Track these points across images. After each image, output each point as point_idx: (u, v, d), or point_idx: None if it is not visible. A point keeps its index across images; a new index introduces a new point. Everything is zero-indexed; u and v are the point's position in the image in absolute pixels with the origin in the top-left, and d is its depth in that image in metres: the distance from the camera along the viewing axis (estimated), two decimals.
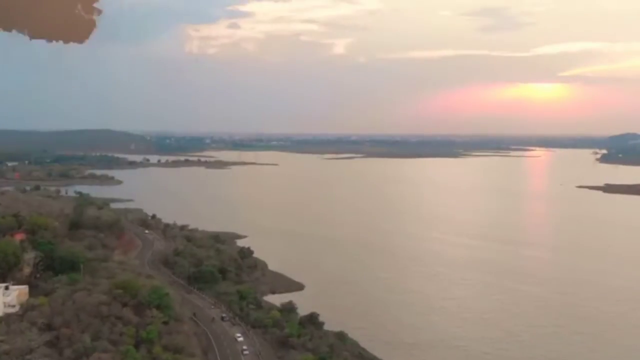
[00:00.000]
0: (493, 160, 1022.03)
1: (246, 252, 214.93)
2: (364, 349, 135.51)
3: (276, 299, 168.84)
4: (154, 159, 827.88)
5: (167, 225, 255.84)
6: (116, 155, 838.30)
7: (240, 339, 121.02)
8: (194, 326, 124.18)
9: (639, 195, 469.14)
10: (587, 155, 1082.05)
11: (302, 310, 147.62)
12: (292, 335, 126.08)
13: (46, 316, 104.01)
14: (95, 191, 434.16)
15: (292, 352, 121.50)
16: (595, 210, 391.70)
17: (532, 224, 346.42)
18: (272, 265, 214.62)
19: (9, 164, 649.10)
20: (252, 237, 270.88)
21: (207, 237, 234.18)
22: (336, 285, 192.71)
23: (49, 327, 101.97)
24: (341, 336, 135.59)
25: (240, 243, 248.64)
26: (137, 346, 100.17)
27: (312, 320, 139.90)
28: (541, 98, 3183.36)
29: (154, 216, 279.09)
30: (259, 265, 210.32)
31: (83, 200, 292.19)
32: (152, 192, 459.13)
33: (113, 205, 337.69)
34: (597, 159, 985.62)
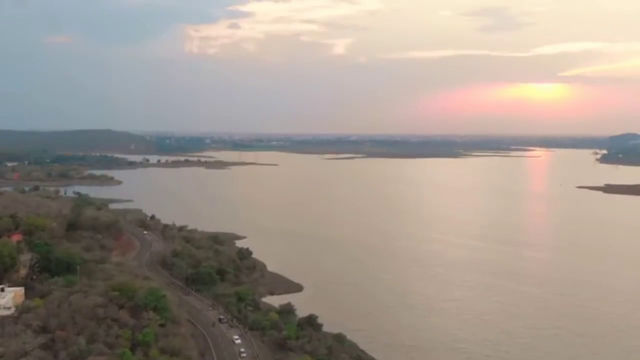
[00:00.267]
0: (493, 161, 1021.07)
1: (245, 253, 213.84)
2: (362, 351, 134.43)
3: (275, 300, 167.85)
4: (153, 159, 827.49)
5: (165, 226, 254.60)
6: (116, 155, 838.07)
7: (238, 341, 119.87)
8: (191, 328, 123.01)
9: (639, 195, 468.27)
10: (587, 155, 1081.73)
11: (301, 312, 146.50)
12: (291, 337, 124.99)
13: (41, 318, 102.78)
14: (95, 191, 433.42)
15: (290, 354, 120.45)
16: (595, 211, 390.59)
17: (532, 224, 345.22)
18: (271, 266, 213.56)
19: (9, 164, 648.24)
20: (251, 237, 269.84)
21: (205, 238, 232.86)
22: (335, 287, 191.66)
23: (44, 329, 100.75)
24: (340, 338, 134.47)
25: (239, 244, 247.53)
26: (133, 349, 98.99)
27: (311, 322, 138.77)
28: (541, 98, 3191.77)
29: (153, 217, 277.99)
30: (257, 266, 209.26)
31: (81, 201, 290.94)
32: (151, 192, 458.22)
33: (112, 206, 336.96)
34: (597, 159, 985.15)
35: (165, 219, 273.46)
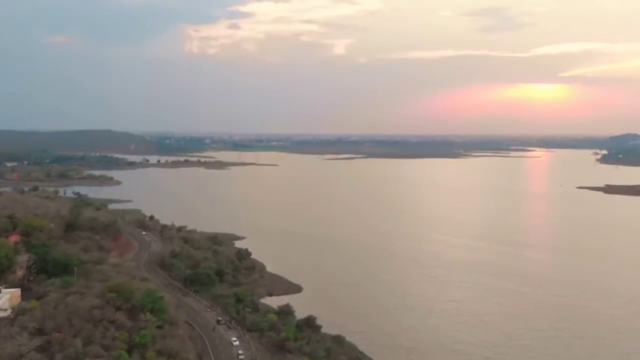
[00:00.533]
0: (493, 161, 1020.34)
1: (244, 254, 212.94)
2: (362, 353, 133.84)
3: (274, 302, 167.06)
4: (153, 159, 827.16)
5: (164, 227, 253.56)
6: (116, 155, 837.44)
7: (236, 343, 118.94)
8: (189, 330, 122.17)
9: (639, 196, 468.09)
10: (587, 155, 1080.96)
11: (300, 313, 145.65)
12: (289, 339, 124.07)
13: (37, 320, 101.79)
14: (94, 192, 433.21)
15: (288, 356, 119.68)
16: (595, 211, 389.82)
17: (532, 225, 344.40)
18: (271, 267, 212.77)
19: (8, 164, 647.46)
20: (250, 238, 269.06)
21: (204, 239, 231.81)
22: (335, 287, 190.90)
23: (40, 331, 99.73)
24: (339, 340, 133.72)
25: (238, 244, 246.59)
26: (130, 351, 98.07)
27: (310, 323, 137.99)
28: (541, 98, 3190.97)
29: (151, 217, 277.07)
30: (256, 267, 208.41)
31: (80, 202, 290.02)
32: (150, 192, 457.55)
33: (111, 206, 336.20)
34: (598, 160, 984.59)
35: (165, 219, 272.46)
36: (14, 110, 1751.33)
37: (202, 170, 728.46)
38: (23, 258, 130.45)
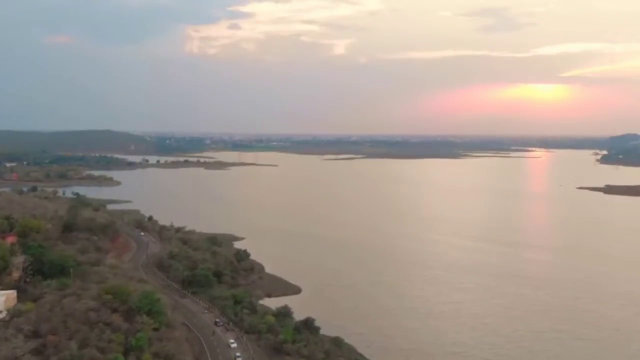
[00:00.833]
0: (493, 161, 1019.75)
1: (242, 255, 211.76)
2: (360, 355, 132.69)
3: (272, 303, 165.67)
4: (153, 159, 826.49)
5: (163, 227, 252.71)
6: (116, 156, 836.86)
7: (234, 345, 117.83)
8: (186, 332, 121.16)
9: None
10: (587, 156, 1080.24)
11: (299, 315, 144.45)
12: (287, 341, 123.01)
13: (33, 323, 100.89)
14: (93, 192, 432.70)
15: (286, 358, 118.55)
16: (595, 212, 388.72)
17: (532, 225, 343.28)
18: (270, 268, 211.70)
19: (8, 164, 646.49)
20: (250, 238, 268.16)
21: (203, 240, 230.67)
22: (334, 288, 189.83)
23: (35, 334, 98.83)
24: (337, 342, 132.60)
25: (237, 245, 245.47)
26: (126, 354, 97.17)
27: (308, 325, 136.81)
28: (541, 99, 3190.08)
29: (150, 218, 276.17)
30: (255, 268, 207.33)
31: (78, 202, 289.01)
32: (150, 193, 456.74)
33: (110, 207, 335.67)
34: (598, 160, 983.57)
35: (164, 220, 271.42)
36: (13, 110, 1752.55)
37: (201, 171, 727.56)
38: (19, 259, 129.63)
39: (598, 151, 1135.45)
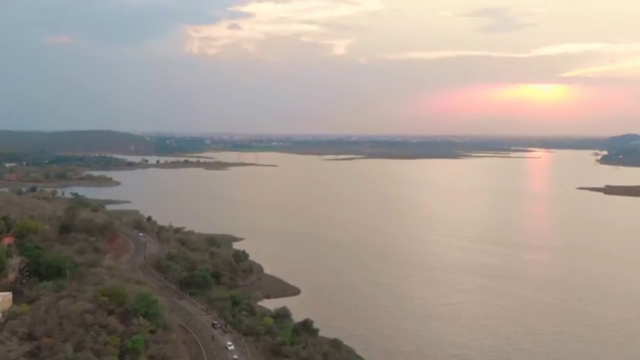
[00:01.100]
0: (493, 161, 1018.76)
1: (241, 256, 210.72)
2: (359, 357, 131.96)
3: (271, 304, 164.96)
4: (152, 159, 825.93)
5: (161, 228, 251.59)
6: (115, 156, 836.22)
7: (231, 347, 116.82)
8: (183, 334, 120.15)
9: None
10: (587, 156, 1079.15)
11: (298, 316, 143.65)
12: (285, 343, 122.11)
13: (28, 325, 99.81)
14: (93, 192, 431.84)
15: None
16: (596, 212, 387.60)
17: (532, 226, 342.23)
18: (268, 269, 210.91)
19: (7, 164, 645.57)
20: (249, 239, 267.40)
21: (201, 240, 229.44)
22: (333, 289, 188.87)
23: (30, 336, 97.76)
24: (336, 343, 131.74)
25: (236, 246, 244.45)
26: (121, 356, 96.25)
27: (307, 326, 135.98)
28: (541, 99, 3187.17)
29: (149, 218, 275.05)
30: (254, 269, 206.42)
31: (76, 203, 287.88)
32: (149, 193, 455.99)
33: (109, 207, 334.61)
34: (598, 160, 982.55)
35: (163, 220, 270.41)
36: (13, 110, 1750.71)
37: (201, 171, 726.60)
38: (15, 261, 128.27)
39: (598, 151, 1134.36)
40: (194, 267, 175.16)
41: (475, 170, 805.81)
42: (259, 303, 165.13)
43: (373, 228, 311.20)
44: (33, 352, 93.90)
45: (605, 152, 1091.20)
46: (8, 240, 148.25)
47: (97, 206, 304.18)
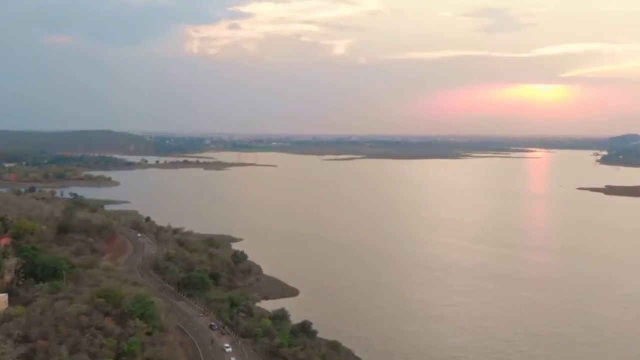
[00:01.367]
0: (493, 162, 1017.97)
1: (240, 257, 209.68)
2: (358, 359, 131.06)
3: (270, 305, 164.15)
4: (152, 160, 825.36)
5: (160, 229, 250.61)
6: (115, 156, 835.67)
7: (229, 349, 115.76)
8: (181, 336, 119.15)
9: None
10: (587, 156, 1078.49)
11: (296, 318, 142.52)
12: (283, 345, 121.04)
13: (23, 327, 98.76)
14: (92, 193, 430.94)
15: None
16: (596, 213, 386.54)
17: (532, 226, 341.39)
18: (268, 270, 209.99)
19: (7, 165, 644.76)
20: (248, 240, 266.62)
21: (200, 241, 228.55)
22: (332, 291, 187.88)
23: (25, 339, 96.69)
24: (335, 345, 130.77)
25: (236, 246, 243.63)
26: (118, 359, 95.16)
27: (305, 328, 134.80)
28: (542, 99, 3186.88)
29: (148, 219, 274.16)
30: (253, 270, 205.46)
31: (74, 203, 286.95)
32: (148, 193, 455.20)
33: (108, 207, 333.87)
34: (598, 161, 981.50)
35: (162, 221, 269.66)
36: (13, 110, 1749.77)
37: (201, 171, 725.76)
38: (12, 262, 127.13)
39: (598, 152, 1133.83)
40: (192, 268, 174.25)
41: (476, 170, 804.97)
42: (258, 304, 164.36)
43: (373, 228, 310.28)
44: (28, 354, 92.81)
45: (605, 153, 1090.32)
46: (5, 241, 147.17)
47: (96, 207, 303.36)
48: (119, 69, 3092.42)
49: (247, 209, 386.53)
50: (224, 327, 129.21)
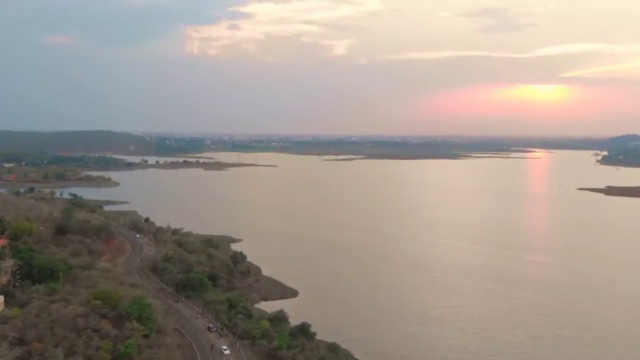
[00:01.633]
0: (493, 162, 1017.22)
1: (239, 257, 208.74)
2: None
3: (268, 307, 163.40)
4: (152, 160, 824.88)
5: (159, 229, 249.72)
6: (115, 156, 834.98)
7: (227, 351, 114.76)
8: (178, 338, 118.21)
9: None
10: (587, 156, 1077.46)
11: (295, 319, 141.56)
12: (282, 347, 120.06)
13: (19, 329, 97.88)
14: (92, 193, 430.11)
15: None
16: (597, 213, 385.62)
17: (533, 227, 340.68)
18: (267, 270, 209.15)
19: (6, 165, 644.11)
20: (247, 240, 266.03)
21: (199, 242, 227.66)
22: (331, 292, 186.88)
23: (21, 341, 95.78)
24: (333, 347, 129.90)
25: (235, 247, 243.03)
26: None
27: (304, 330, 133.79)
28: (542, 99, 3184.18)
29: (147, 219, 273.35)
30: (252, 271, 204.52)
31: (72, 204, 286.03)
32: (148, 194, 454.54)
33: (107, 208, 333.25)
34: (598, 161, 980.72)
35: (161, 221, 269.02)
36: (13, 110, 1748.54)
37: (200, 171, 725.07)
38: (8, 263, 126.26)
39: (598, 152, 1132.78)
40: (191, 269, 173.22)
41: (476, 170, 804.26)
42: (256, 305, 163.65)
43: (373, 228, 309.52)
44: (23, 357, 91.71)
45: (605, 153, 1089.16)
46: (2, 242, 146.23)
47: (95, 207, 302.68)
48: (119, 69, 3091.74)
49: (246, 209, 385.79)
50: (221, 329, 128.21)
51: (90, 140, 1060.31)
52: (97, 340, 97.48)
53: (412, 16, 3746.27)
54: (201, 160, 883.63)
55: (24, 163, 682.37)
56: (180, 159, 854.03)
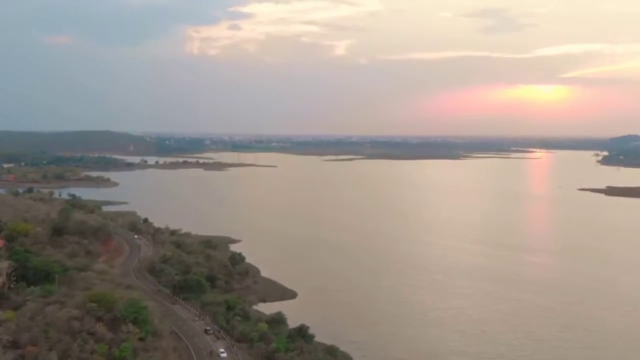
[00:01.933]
0: (494, 162, 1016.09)
1: (237, 258, 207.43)
2: None
3: (267, 308, 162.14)
4: (152, 160, 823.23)
5: (157, 230, 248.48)
6: (115, 156, 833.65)
7: (224, 354, 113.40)
8: (174, 341, 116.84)
9: None
10: (588, 156, 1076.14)
11: (294, 321, 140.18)
12: (280, 350, 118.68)
13: (12, 332, 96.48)
14: (91, 193, 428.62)
15: None
16: (597, 214, 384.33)
17: (533, 227, 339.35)
18: (265, 272, 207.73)
19: (5, 165, 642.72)
20: (246, 241, 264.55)
21: (197, 243, 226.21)
22: (330, 294, 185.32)
23: (14, 344, 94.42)
24: (332, 350, 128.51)
25: (234, 248, 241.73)
26: None
27: (302, 332, 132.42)
28: (542, 99, 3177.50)
29: (145, 220, 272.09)
30: (250, 272, 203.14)
31: (70, 204, 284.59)
32: (147, 194, 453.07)
33: (106, 208, 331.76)
34: (598, 161, 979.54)
35: (160, 221, 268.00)
36: (13, 110, 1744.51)
37: (200, 172, 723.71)
38: (3, 265, 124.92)
39: (599, 152, 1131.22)
40: (189, 271, 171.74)
41: (476, 171, 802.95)
42: (255, 307, 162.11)
43: (373, 229, 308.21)
44: None
45: (605, 153, 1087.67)
46: None
47: (94, 207, 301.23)
48: (119, 69, 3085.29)
49: (246, 210, 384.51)
50: (219, 331, 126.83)
51: (90, 140, 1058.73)
52: (92, 343, 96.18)
53: (412, 16, 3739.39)
54: (201, 161, 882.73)
55: (23, 163, 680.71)
56: (180, 159, 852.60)
